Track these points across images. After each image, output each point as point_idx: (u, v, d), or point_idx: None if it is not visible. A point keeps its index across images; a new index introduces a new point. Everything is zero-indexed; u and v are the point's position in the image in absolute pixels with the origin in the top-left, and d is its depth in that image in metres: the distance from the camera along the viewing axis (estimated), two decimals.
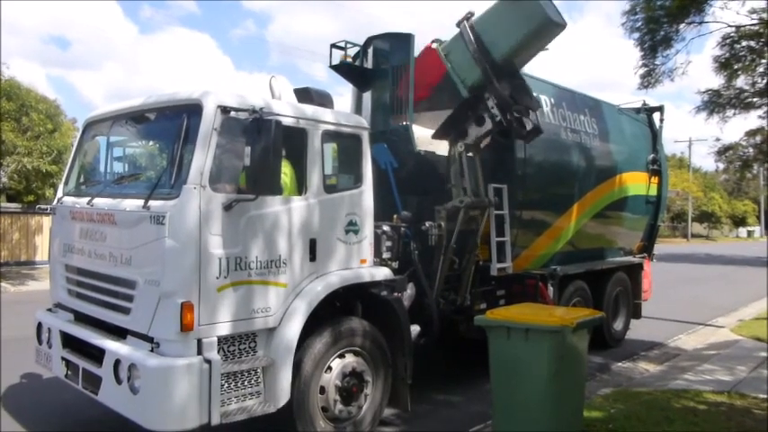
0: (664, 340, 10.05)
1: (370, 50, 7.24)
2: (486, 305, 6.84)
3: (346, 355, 5.04)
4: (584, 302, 8.27)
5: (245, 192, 4.34)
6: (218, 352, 4.28)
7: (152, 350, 4.22)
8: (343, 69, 7.31)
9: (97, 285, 4.81)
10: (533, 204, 7.57)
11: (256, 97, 4.68)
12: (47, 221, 17.41)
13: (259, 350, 4.59)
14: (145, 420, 4.12)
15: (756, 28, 12.62)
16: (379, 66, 7.12)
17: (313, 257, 4.92)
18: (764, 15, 12.56)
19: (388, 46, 7.10)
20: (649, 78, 13.57)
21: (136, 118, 5.16)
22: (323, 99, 5.54)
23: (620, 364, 8.39)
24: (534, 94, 6.86)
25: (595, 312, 5.30)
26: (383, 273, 5.53)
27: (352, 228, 5.25)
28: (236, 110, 4.39)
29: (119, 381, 4.29)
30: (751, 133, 19.47)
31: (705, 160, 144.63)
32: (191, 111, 4.42)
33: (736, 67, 13.74)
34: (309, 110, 5.10)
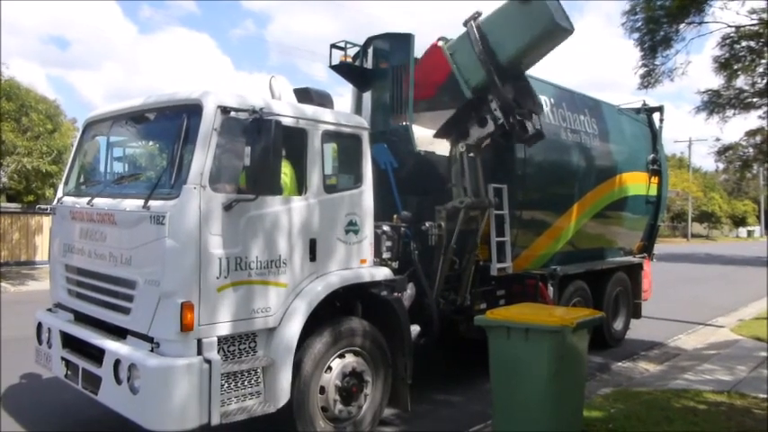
0: (664, 340, 10.05)
1: (370, 51, 7.24)
2: (486, 305, 6.85)
3: (346, 355, 5.04)
4: (585, 302, 8.27)
5: (245, 192, 4.34)
6: (219, 352, 4.28)
7: (152, 350, 4.22)
8: (342, 69, 7.31)
9: (97, 285, 4.81)
10: (533, 204, 7.58)
11: (256, 97, 4.68)
12: (47, 221, 17.41)
13: (259, 350, 4.59)
14: (145, 420, 4.12)
15: (756, 28, 12.62)
16: (379, 66, 7.12)
17: (313, 257, 4.92)
18: (764, 15, 12.56)
19: (387, 46, 7.10)
20: (649, 78, 13.56)
21: (136, 118, 5.16)
22: (323, 99, 5.54)
23: (620, 363, 8.39)
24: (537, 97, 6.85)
25: (595, 312, 5.30)
26: (383, 273, 5.53)
27: (352, 228, 5.25)
28: (236, 110, 4.39)
29: (119, 381, 4.29)
30: (751, 133, 19.48)
31: (705, 160, 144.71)
32: (191, 111, 4.42)
33: (735, 67, 13.74)
34: (309, 110, 5.10)
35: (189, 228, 4.13)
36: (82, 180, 5.68)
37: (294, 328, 4.62)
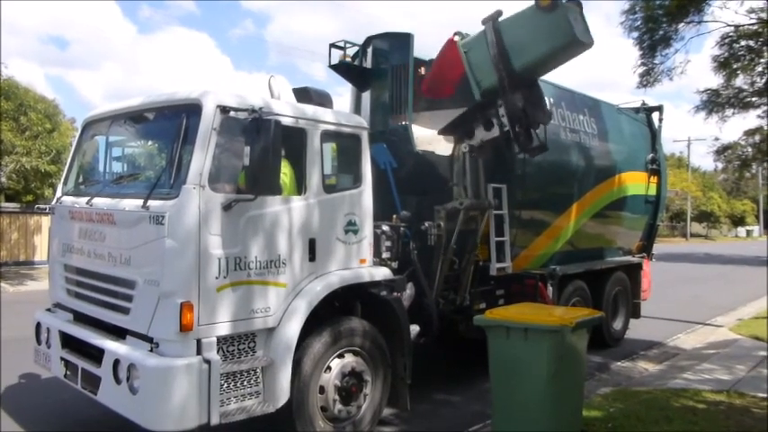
0: (663, 339, 10.06)
1: (370, 50, 7.24)
2: (486, 305, 6.84)
3: (346, 354, 5.04)
4: (584, 302, 8.27)
5: (244, 192, 4.34)
6: (218, 352, 4.28)
7: (151, 350, 4.21)
8: (342, 69, 7.31)
9: (96, 285, 4.81)
10: (533, 204, 7.58)
11: (256, 97, 4.67)
12: (46, 221, 17.40)
13: (258, 350, 4.59)
14: (144, 420, 4.12)
15: (755, 27, 12.64)
16: (379, 65, 7.12)
17: (312, 257, 4.92)
18: (763, 15, 12.59)
19: (387, 46, 7.10)
20: (648, 77, 13.59)
21: (135, 118, 5.16)
22: (322, 99, 5.53)
23: (619, 363, 8.39)
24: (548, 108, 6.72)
25: (594, 312, 5.30)
26: (382, 273, 5.53)
27: (352, 228, 5.25)
28: (236, 110, 4.39)
29: (118, 381, 4.29)
30: (750, 133, 19.52)
31: (704, 160, 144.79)
32: (190, 110, 4.42)
33: (734, 66, 13.77)
34: (309, 110, 5.10)
35: (188, 228, 4.13)
36: (81, 180, 5.67)
37: (293, 328, 4.62)
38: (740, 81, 14.76)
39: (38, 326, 5.44)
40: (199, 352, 4.16)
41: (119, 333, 4.54)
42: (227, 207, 4.29)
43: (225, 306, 4.30)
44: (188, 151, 4.33)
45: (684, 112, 51.22)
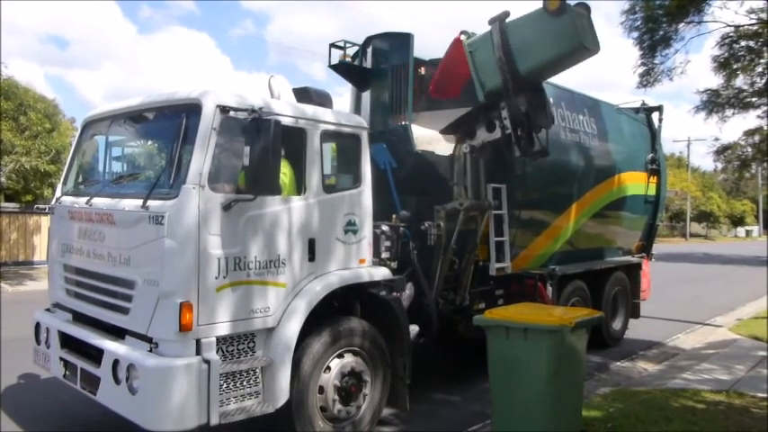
0: (662, 339, 10.06)
1: (369, 50, 7.24)
2: (485, 305, 6.84)
3: (345, 355, 5.04)
4: (583, 302, 8.27)
5: (244, 192, 4.33)
6: (217, 352, 4.28)
7: (151, 350, 4.21)
8: (342, 69, 7.31)
9: (96, 285, 4.81)
10: (532, 204, 7.57)
11: (255, 97, 4.67)
12: (45, 221, 17.38)
13: (258, 350, 4.59)
14: (143, 420, 4.12)
15: (755, 28, 12.64)
16: (379, 65, 7.12)
17: (312, 257, 4.92)
18: (763, 15, 12.59)
19: (387, 46, 7.10)
20: (648, 77, 13.59)
21: (135, 117, 5.15)
22: (322, 99, 5.53)
23: (618, 363, 8.39)
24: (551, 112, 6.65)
25: (594, 312, 5.30)
26: (382, 273, 5.53)
27: (351, 228, 5.25)
28: (236, 109, 4.39)
29: (117, 381, 4.29)
30: (749, 133, 19.53)
31: (704, 160, 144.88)
32: (190, 110, 4.42)
33: (734, 66, 13.79)
34: (308, 110, 5.10)
35: (188, 228, 4.13)
36: (80, 180, 5.67)
37: (293, 328, 4.62)
38: (740, 81, 14.78)
39: (37, 326, 5.43)
40: (198, 352, 4.15)
41: (118, 333, 4.54)
42: (226, 207, 4.29)
43: (224, 306, 4.30)
44: (188, 151, 4.32)
45: (684, 113, 51.25)
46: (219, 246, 4.26)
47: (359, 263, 5.33)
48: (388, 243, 5.92)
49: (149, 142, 5.70)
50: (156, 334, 4.21)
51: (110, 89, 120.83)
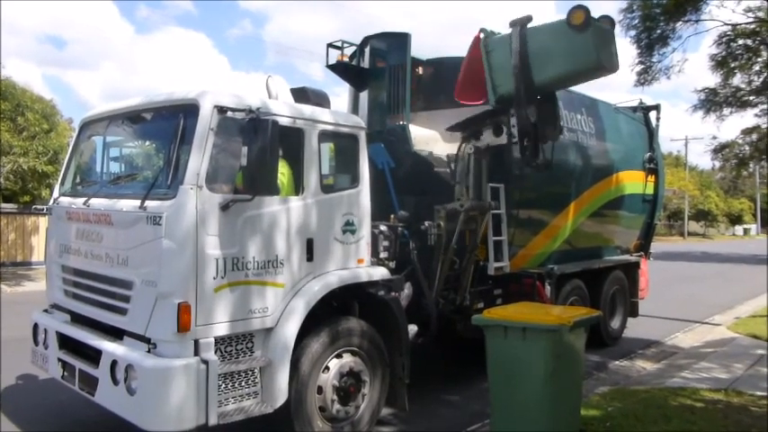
0: (661, 338, 10.07)
1: (367, 50, 7.25)
2: (484, 304, 6.84)
3: (344, 355, 5.04)
4: (582, 301, 8.28)
5: (242, 192, 4.33)
6: (216, 352, 4.27)
7: (149, 351, 4.21)
8: (339, 69, 7.31)
9: (94, 286, 4.80)
10: (530, 203, 7.57)
11: (253, 97, 4.67)
12: (43, 222, 17.36)
13: (256, 350, 4.59)
14: (142, 421, 4.11)
15: (753, 26, 12.67)
16: (376, 65, 7.12)
17: (310, 257, 4.91)
18: (761, 14, 12.62)
19: (385, 45, 7.10)
20: (646, 76, 13.62)
21: (132, 118, 5.14)
22: (320, 99, 5.52)
23: (617, 362, 8.40)
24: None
25: (592, 311, 5.30)
26: (380, 272, 5.52)
27: (350, 228, 5.25)
28: (233, 110, 4.38)
29: (115, 382, 4.28)
30: (747, 131, 19.60)
31: (701, 158, 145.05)
32: (187, 111, 4.41)
33: (732, 65, 13.83)
34: (306, 110, 5.09)
35: (186, 228, 4.12)
36: (78, 180, 5.65)
37: (291, 329, 4.61)
38: (738, 80, 14.84)
39: (35, 327, 5.42)
40: (196, 352, 4.15)
41: (116, 334, 4.53)
42: (224, 207, 4.28)
43: (222, 306, 4.30)
44: (185, 151, 4.31)
45: (682, 111, 51.59)
46: (217, 246, 4.26)
47: (357, 263, 5.33)
48: (386, 243, 5.91)
49: (147, 143, 5.70)
50: (155, 334, 4.20)
51: (107, 89, 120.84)
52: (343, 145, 5.58)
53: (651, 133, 10.27)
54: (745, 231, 70.31)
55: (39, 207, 15.19)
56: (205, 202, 4.20)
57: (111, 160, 5.60)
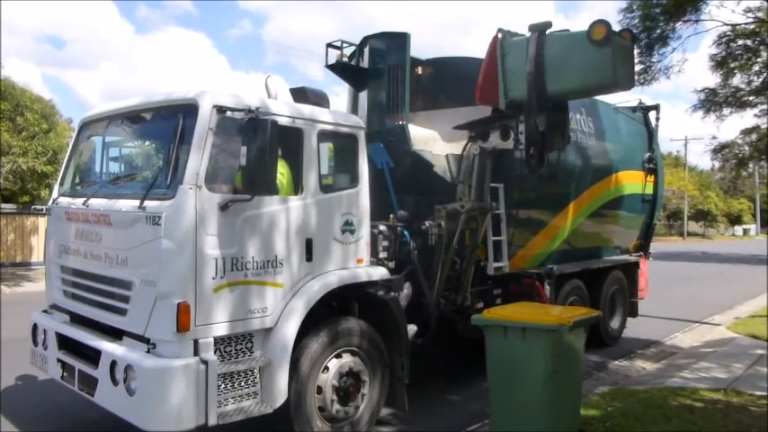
0: (660, 338, 10.07)
1: (366, 50, 7.24)
2: (483, 304, 6.84)
3: (343, 355, 5.03)
4: (581, 301, 8.27)
5: (241, 192, 4.33)
6: (215, 352, 4.27)
7: (148, 351, 4.20)
8: (339, 69, 7.31)
9: (93, 286, 4.80)
10: (529, 203, 7.57)
11: (252, 97, 4.66)
12: (42, 222, 17.35)
13: (256, 350, 4.58)
14: (141, 421, 4.11)
15: (752, 26, 12.67)
16: (376, 65, 7.11)
17: (309, 257, 4.91)
18: (760, 14, 12.62)
19: (384, 45, 7.09)
20: (645, 76, 13.60)
21: (132, 118, 5.14)
22: (319, 98, 5.52)
23: (616, 362, 8.40)
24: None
25: (592, 311, 5.30)
26: (380, 272, 5.52)
27: (349, 228, 5.24)
28: (232, 110, 4.38)
29: (115, 382, 4.28)
30: (747, 131, 19.62)
31: (701, 159, 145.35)
32: (186, 111, 4.41)
33: (732, 65, 13.82)
34: (306, 109, 5.09)
35: (185, 228, 4.12)
36: (77, 180, 5.65)
37: (291, 329, 4.61)
38: (737, 80, 14.83)
39: (34, 327, 5.42)
40: (196, 353, 4.15)
41: (115, 334, 4.53)
42: (223, 207, 4.28)
43: (222, 306, 4.29)
44: (185, 151, 4.31)
45: (682, 111, 51.70)
46: (217, 246, 4.26)
47: (356, 263, 5.32)
48: (385, 243, 5.91)
49: (146, 143, 5.69)
50: (154, 335, 4.20)
51: (107, 89, 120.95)
52: (343, 145, 5.58)
53: (651, 133, 10.27)
54: (745, 232, 70.34)
55: (38, 207, 15.18)
56: (204, 201, 4.19)
57: (111, 160, 5.60)
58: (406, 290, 6.02)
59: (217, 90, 4.46)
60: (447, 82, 7.28)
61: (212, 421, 4.13)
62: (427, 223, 6.32)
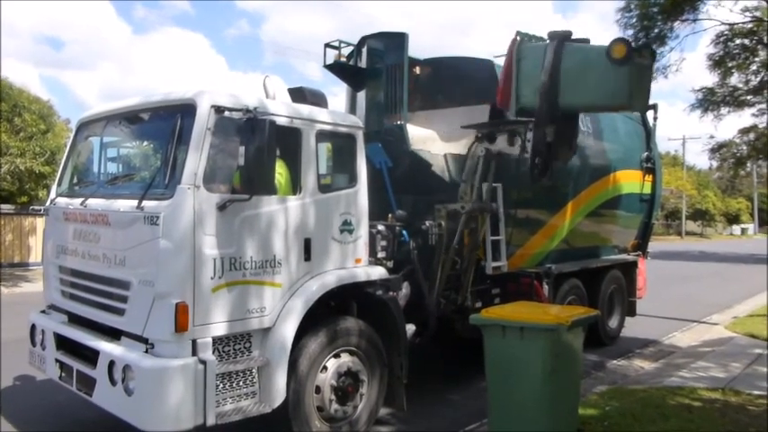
0: (658, 338, 10.08)
1: (364, 50, 7.24)
2: (482, 304, 6.83)
3: (342, 354, 5.04)
4: (579, 300, 8.28)
5: (239, 192, 4.34)
6: (213, 352, 4.27)
7: (147, 351, 4.20)
8: (337, 69, 7.30)
9: (91, 287, 4.79)
10: (528, 203, 7.57)
11: (250, 97, 4.66)
12: (40, 223, 17.32)
13: (254, 350, 4.58)
14: (139, 422, 4.11)
15: (750, 26, 12.68)
16: (374, 65, 7.11)
17: (308, 257, 4.91)
18: (758, 13, 12.63)
19: (382, 45, 7.09)
20: None
21: (129, 118, 5.14)
22: (317, 98, 5.52)
23: (615, 361, 8.41)
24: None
25: (590, 310, 5.31)
26: (378, 272, 5.52)
27: (347, 227, 5.25)
28: (230, 110, 4.38)
29: (113, 382, 4.28)
30: (745, 131, 19.62)
31: (699, 158, 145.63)
32: (185, 111, 4.41)
33: (729, 64, 13.82)
34: (304, 109, 5.09)
35: (183, 228, 4.12)
36: (75, 181, 5.65)
37: (289, 328, 4.61)
38: (735, 79, 14.83)
39: (32, 328, 5.42)
40: (194, 353, 4.15)
41: (113, 334, 4.53)
42: (222, 207, 4.28)
43: (220, 306, 4.29)
44: (183, 151, 4.31)
45: (679, 111, 51.80)
46: (215, 246, 4.26)
47: (355, 262, 5.33)
48: (384, 242, 5.91)
49: (144, 143, 5.68)
50: (152, 335, 4.20)
51: (105, 90, 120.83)
52: (341, 145, 5.58)
53: (648, 133, 10.26)
54: (743, 231, 70.44)
55: (36, 208, 15.18)
56: (202, 201, 4.19)
57: (109, 160, 5.60)
58: (405, 289, 6.03)
59: (215, 90, 4.46)
60: (445, 82, 7.29)
61: (210, 421, 4.13)
62: (427, 223, 6.32)
